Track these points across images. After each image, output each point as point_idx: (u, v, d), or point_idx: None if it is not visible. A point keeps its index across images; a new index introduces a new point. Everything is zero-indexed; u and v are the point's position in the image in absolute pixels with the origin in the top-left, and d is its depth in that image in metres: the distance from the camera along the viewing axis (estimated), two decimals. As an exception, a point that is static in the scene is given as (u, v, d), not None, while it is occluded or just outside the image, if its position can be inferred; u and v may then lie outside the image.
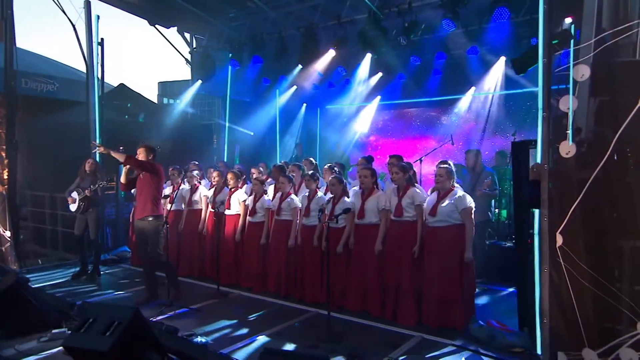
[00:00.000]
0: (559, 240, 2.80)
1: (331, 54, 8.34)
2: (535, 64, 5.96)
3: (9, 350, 4.14)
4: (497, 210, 7.57)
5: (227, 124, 10.34)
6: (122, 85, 10.41)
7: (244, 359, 3.98)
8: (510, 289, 6.21)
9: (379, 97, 11.14)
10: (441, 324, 4.66)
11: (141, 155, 5.42)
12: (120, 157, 5.26)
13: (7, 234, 7.12)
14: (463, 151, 9.09)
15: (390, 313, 4.95)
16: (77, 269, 7.03)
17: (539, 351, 3.94)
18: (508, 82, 9.03)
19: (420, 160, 7.75)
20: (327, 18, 8.36)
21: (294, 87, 10.79)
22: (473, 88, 9.88)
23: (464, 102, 9.92)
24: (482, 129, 9.59)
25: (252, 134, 11.06)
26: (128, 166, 5.40)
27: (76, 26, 8.33)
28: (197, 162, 8.23)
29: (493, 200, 7.27)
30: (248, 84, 10.85)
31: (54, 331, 4.44)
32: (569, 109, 2.71)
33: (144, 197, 5.43)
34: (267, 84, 10.80)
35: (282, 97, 11.23)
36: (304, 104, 12.18)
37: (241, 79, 10.67)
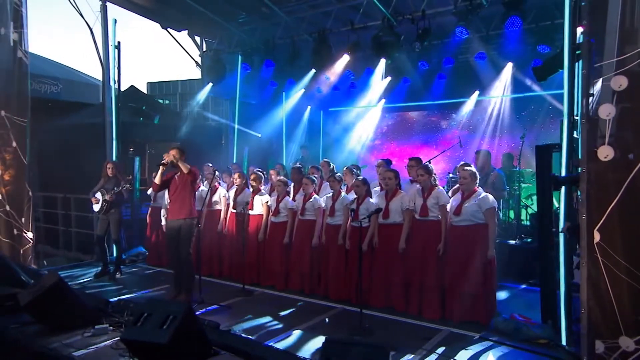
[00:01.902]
0: (597, 237, 3.05)
1: (345, 59, 8.58)
2: (556, 72, 6.30)
3: (57, 344, 4.27)
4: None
5: (236, 126, 10.51)
6: (132, 87, 10.53)
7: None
8: (523, 285, 6.49)
9: (383, 101, 11.39)
10: (465, 318, 4.90)
11: (176, 157, 5.57)
12: (184, 168, 5.55)
13: (29, 234, 7.19)
14: (469, 153, 9.42)
15: (415, 308, 5.19)
16: (89, 268, 7.15)
17: (563, 342, 4.22)
18: (514, 86, 9.34)
19: (429, 162, 8.03)
20: (340, 24, 8.58)
21: (302, 90, 10.99)
22: (477, 92, 10.19)
23: (470, 105, 10.22)
24: (488, 132, 9.90)
25: (259, 135, 11.23)
26: (164, 168, 5.55)
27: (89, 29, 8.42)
28: (210, 164, 8.37)
29: (502, 201, 7.56)
30: (255, 86, 11.02)
31: (96, 327, 4.59)
32: (608, 115, 2.96)
33: (181, 199, 5.56)
34: (274, 87, 10.97)
35: (290, 100, 11.43)
36: (309, 107, 12.39)
37: (248, 82, 10.83)
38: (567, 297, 4.20)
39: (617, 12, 3.76)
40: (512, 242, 7.25)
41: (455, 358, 4.08)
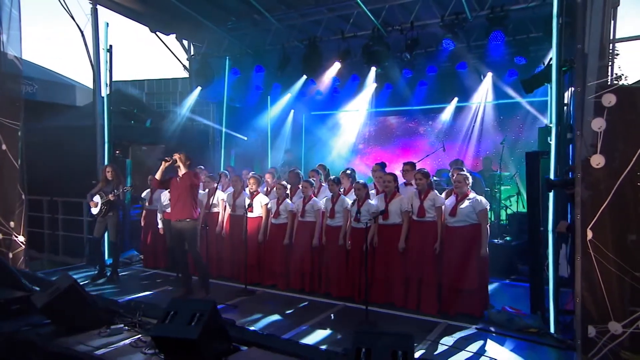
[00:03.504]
0: (589, 234, 3.46)
1: (337, 66, 8.91)
2: (542, 86, 6.82)
3: (76, 344, 4.37)
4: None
5: (223, 130, 10.64)
6: (118, 90, 10.50)
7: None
8: (505, 281, 6.97)
9: (367, 106, 11.76)
10: (461, 311, 5.30)
11: (181, 160, 5.77)
12: (183, 168, 5.82)
13: (21, 238, 7.14)
14: (450, 157, 9.93)
15: (414, 303, 5.54)
16: (80, 271, 7.18)
17: (552, 330, 4.66)
18: (492, 93, 9.91)
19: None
20: (330, 33, 8.90)
21: (289, 95, 11.23)
22: (456, 99, 10.72)
23: (450, 111, 10.75)
24: (468, 137, 10.45)
25: (245, 138, 11.39)
26: (167, 164, 5.73)
27: (74, 31, 8.41)
28: (202, 167, 8.51)
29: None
30: (240, 90, 11.17)
31: (112, 327, 4.71)
32: (599, 128, 3.38)
33: (182, 200, 5.75)
34: (259, 91, 11.16)
35: (275, 104, 11.65)
36: (292, 111, 12.64)
37: (234, 86, 10.98)
38: (555, 290, 4.65)
39: (597, 33, 4.25)
40: (494, 240, 7.73)
41: (457, 347, 4.45)
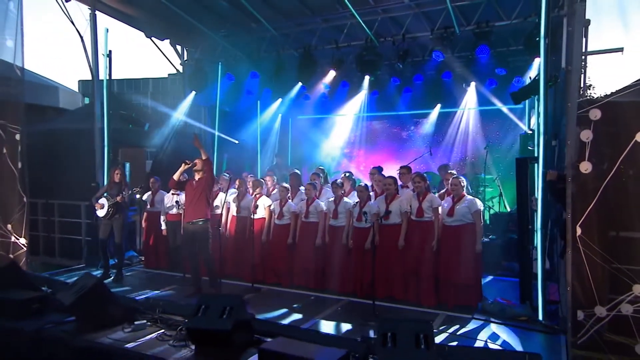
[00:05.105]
0: (579, 231, 3.98)
1: (332, 74, 9.32)
2: (529, 98, 7.40)
3: (104, 340, 4.61)
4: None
5: (216, 133, 10.87)
6: (112, 93, 10.55)
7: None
8: (491, 277, 7.51)
9: (354, 111, 12.22)
10: (457, 303, 5.78)
11: (198, 164, 6.06)
12: (203, 154, 6.13)
13: (22, 240, 7.23)
14: (436, 160, 10.51)
15: (414, 297, 6.00)
16: (79, 273, 7.34)
17: (540, 318, 5.20)
18: (475, 101, 10.52)
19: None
20: (324, 42, 9.30)
21: (279, 100, 11.56)
22: (439, 105, 11.29)
23: (434, 117, 11.32)
24: (451, 141, 11.05)
25: (237, 142, 11.64)
26: (187, 167, 5.99)
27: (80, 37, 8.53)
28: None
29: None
30: (231, 95, 11.42)
31: (136, 323, 4.96)
32: (587, 138, 3.90)
33: (197, 202, 6.03)
34: (249, 96, 11.43)
35: (266, 109, 11.96)
36: (279, 115, 12.96)
37: (226, 91, 11.23)
38: (543, 282, 5.18)
39: (579, 56, 4.81)
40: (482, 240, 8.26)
41: (458, 334, 4.93)
